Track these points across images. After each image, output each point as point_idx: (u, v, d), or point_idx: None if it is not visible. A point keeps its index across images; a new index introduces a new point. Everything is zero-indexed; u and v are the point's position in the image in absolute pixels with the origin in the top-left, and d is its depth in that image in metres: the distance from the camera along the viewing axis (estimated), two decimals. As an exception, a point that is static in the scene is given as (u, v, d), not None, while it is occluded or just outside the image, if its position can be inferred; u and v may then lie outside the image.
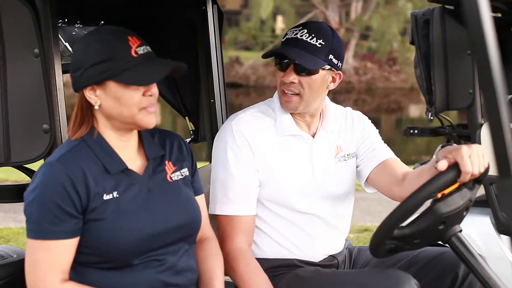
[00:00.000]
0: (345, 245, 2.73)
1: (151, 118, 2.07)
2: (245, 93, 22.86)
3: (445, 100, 4.39)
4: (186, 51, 3.16)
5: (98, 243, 2.02)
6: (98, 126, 2.09)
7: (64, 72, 2.44)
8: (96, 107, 2.04)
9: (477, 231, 3.69)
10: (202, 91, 3.14)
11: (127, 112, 2.03)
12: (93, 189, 2.01)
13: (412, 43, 4.56)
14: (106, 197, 2.03)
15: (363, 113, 2.75)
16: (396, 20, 25.89)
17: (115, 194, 2.04)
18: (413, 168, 2.82)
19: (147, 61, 2.03)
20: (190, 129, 3.40)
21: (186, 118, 3.40)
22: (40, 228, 1.97)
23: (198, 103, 3.30)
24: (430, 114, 4.43)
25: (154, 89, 2.06)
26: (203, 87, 3.12)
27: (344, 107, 2.76)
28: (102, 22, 3.29)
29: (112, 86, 2.01)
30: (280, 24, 28.62)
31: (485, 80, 1.15)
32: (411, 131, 4.75)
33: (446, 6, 4.25)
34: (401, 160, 2.64)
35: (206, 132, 3.17)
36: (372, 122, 2.74)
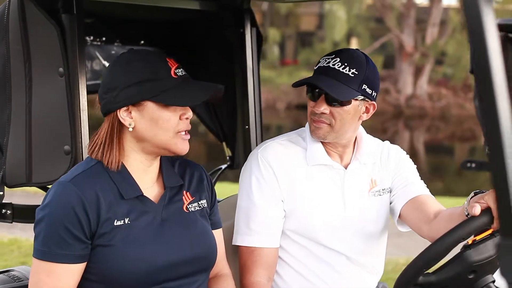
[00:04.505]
0: (378, 286, 2.56)
1: (186, 145, 2.00)
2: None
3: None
4: (224, 74, 3.07)
5: (106, 270, 1.94)
6: (124, 148, 2.01)
7: (88, 92, 2.38)
8: (130, 129, 1.96)
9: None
10: (238, 117, 3.04)
11: (162, 135, 1.96)
12: (105, 214, 1.93)
13: (472, 72, 4.36)
14: (117, 223, 1.95)
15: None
16: (473, 46, 25.25)
17: (126, 220, 1.96)
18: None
19: (186, 82, 1.97)
20: (227, 155, 3.30)
21: (224, 143, 3.30)
22: (46, 249, 1.91)
23: (235, 128, 3.20)
24: (487, 147, 4.21)
25: (190, 113, 1.99)
26: (239, 112, 3.02)
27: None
28: (142, 42, 3.25)
29: (149, 107, 1.94)
30: (354, 46, 28.31)
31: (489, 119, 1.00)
32: (468, 164, 4.52)
33: (509, 34, 4.05)
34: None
35: (240, 160, 3.06)
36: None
